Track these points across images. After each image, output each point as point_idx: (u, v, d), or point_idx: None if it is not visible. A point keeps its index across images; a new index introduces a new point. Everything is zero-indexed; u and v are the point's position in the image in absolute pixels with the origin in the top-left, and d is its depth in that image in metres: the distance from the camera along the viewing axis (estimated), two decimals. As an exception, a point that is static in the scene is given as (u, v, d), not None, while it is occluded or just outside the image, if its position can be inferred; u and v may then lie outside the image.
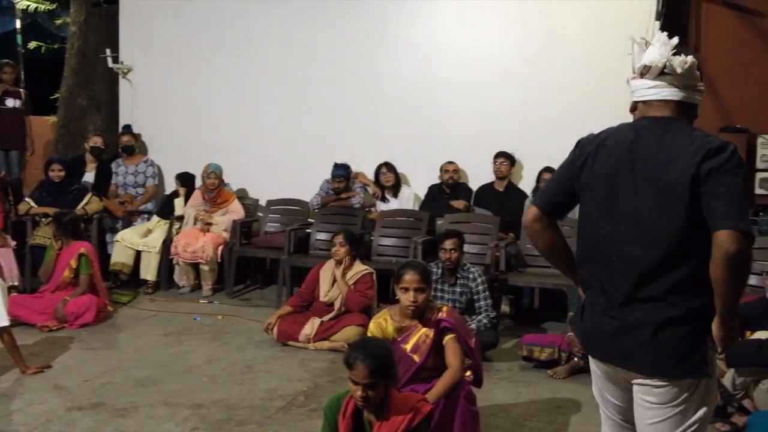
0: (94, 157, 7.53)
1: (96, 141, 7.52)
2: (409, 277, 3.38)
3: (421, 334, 3.40)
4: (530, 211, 2.47)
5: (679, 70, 2.18)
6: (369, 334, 3.46)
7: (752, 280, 5.04)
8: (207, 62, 7.71)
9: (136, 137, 7.74)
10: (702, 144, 2.11)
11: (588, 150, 2.33)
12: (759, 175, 6.76)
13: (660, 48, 2.20)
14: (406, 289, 3.38)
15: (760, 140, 6.74)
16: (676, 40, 2.21)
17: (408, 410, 2.75)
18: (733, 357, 3.72)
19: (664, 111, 2.24)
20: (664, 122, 2.22)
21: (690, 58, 2.19)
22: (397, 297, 3.46)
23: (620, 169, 2.23)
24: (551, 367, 4.87)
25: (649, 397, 2.20)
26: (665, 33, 2.24)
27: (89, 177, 7.45)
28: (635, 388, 2.25)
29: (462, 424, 3.18)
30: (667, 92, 2.22)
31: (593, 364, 2.42)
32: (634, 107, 2.35)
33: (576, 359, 4.83)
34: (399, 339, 3.42)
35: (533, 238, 2.52)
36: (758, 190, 6.77)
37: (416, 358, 3.37)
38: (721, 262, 2.01)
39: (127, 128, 7.75)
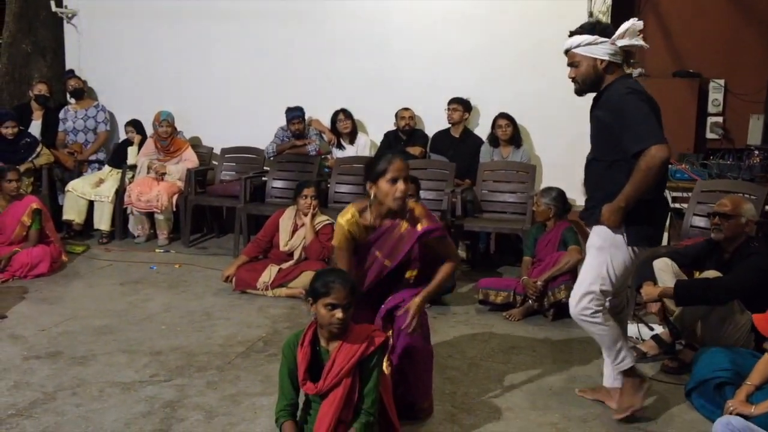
0: (40, 105, 7.36)
1: (41, 89, 7.33)
2: (398, 164, 3.11)
3: (396, 236, 3.30)
4: (666, 149, 3.01)
5: None
6: (338, 235, 3.32)
7: (701, 221, 5.26)
8: (155, 6, 7.52)
9: (83, 81, 7.57)
10: None
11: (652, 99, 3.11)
12: (710, 120, 6.93)
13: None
14: (395, 180, 3.10)
15: (711, 85, 6.88)
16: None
17: (363, 339, 2.85)
18: (682, 296, 3.86)
19: None
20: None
21: None
22: (372, 194, 3.24)
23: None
24: (506, 310, 5.03)
25: None
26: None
27: (36, 126, 7.29)
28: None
29: (416, 362, 3.29)
30: None
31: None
32: (607, 64, 3.18)
33: (530, 302, 4.99)
34: (370, 240, 3.35)
35: (663, 173, 3.16)
36: (709, 135, 6.95)
37: (388, 263, 3.34)
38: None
39: (70, 72, 7.57)
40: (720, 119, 6.90)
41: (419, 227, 3.28)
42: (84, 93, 7.48)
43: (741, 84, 6.83)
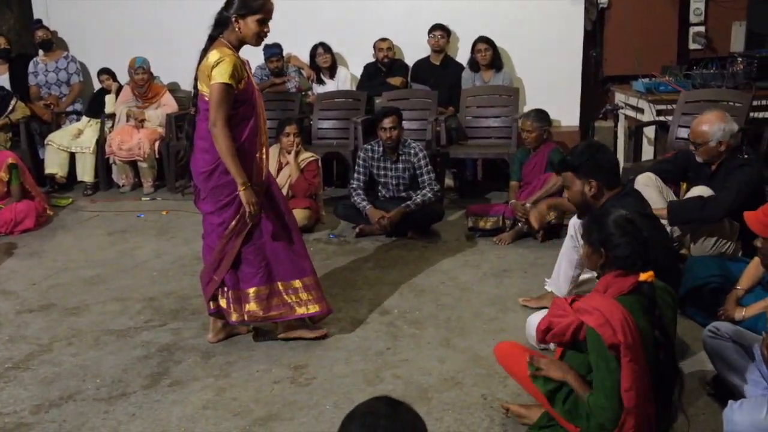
0: (3, 59, 7.13)
1: (0, 42, 7.08)
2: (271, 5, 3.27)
3: None
4: None
5: None
6: None
7: (686, 133, 5.17)
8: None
9: (51, 32, 7.30)
10: None
11: None
12: (692, 30, 6.81)
13: None
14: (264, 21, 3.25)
15: (693, -6, 6.77)
16: None
17: None
18: (676, 216, 3.80)
19: None
20: None
21: None
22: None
23: None
24: (496, 235, 5.01)
25: None
26: None
27: (3, 80, 7.05)
28: None
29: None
30: None
31: None
32: None
33: (520, 225, 4.96)
34: None
35: None
36: (692, 45, 6.84)
37: None
38: None
39: (38, 22, 7.28)
40: (702, 29, 6.80)
41: None
42: (53, 44, 7.22)
43: (722, -9, 6.72)
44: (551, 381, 2.41)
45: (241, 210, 3.27)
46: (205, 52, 3.24)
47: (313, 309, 3.46)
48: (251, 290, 3.39)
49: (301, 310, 3.45)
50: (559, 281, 3.64)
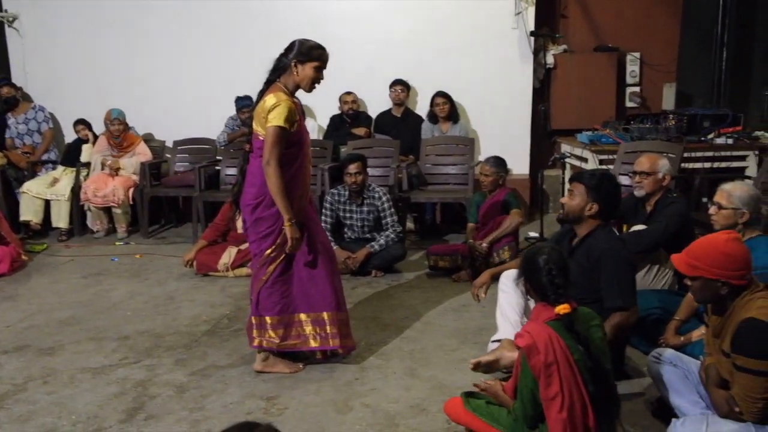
0: None
1: None
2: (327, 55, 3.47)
3: None
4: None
5: None
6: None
7: (626, 180, 5.36)
8: (97, 6, 7.24)
9: (17, 88, 7.20)
10: None
11: None
12: (629, 89, 7.14)
13: None
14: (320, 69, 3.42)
15: (629, 57, 7.09)
16: None
17: None
18: None
19: None
20: None
21: None
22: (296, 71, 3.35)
23: None
24: (455, 273, 5.06)
25: None
26: None
27: (-18, 132, 6.97)
28: None
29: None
30: None
31: None
32: None
33: (477, 264, 5.02)
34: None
35: None
36: (628, 103, 7.15)
37: None
38: None
39: (5, 80, 7.17)
40: (637, 89, 7.13)
41: None
42: (18, 101, 7.09)
43: (655, 56, 7.08)
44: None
45: (278, 241, 3.30)
46: (261, 94, 3.33)
47: (334, 343, 3.45)
48: (268, 318, 3.41)
49: (315, 343, 3.44)
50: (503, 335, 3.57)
